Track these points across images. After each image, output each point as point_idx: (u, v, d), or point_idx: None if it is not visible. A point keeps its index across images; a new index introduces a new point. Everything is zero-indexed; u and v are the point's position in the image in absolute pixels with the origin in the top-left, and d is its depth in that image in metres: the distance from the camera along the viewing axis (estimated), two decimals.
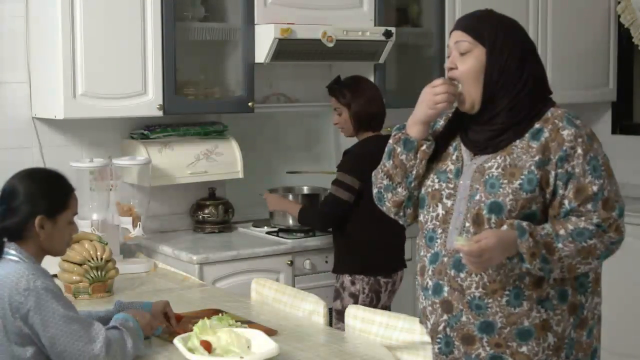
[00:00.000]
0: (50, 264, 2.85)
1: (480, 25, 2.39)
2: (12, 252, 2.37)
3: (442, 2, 4.61)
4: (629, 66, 5.38)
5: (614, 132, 5.44)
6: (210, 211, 4.22)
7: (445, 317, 2.39)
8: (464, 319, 2.35)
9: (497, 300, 2.31)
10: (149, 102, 3.86)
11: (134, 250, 3.94)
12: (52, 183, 2.46)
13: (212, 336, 2.36)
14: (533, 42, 2.46)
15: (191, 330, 2.41)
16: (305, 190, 4.40)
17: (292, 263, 3.95)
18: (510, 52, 2.36)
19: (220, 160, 4.14)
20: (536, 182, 2.29)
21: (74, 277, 3.20)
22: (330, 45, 4.09)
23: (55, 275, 3.21)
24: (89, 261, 3.20)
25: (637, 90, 5.43)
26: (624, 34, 5.29)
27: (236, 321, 2.65)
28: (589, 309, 2.38)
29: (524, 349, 2.32)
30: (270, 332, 2.60)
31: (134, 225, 3.76)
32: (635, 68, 5.40)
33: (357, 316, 2.74)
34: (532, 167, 2.30)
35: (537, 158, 2.31)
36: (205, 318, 2.48)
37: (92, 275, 3.19)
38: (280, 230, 4.18)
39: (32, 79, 3.90)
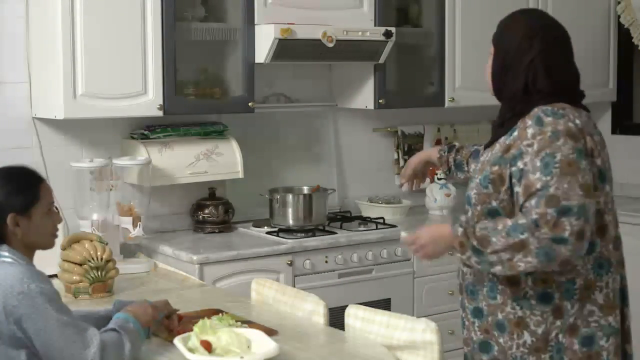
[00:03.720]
0: (51, 264, 2.85)
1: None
2: (5, 254, 2.36)
3: (442, 2, 4.61)
4: (629, 66, 5.38)
5: (614, 132, 5.43)
6: (210, 211, 4.22)
7: (460, 297, 2.61)
8: (465, 302, 2.55)
9: (483, 289, 2.46)
10: (149, 102, 3.86)
11: (134, 250, 3.94)
12: (18, 179, 2.42)
13: (212, 336, 2.36)
14: (529, 40, 2.46)
15: (191, 330, 2.41)
16: (306, 190, 4.40)
17: (292, 263, 3.95)
18: (499, 52, 2.49)
19: (220, 160, 4.14)
20: (489, 180, 2.37)
21: (74, 277, 3.20)
22: (330, 45, 4.10)
23: (56, 275, 3.22)
24: (89, 261, 3.20)
25: (637, 90, 5.43)
26: (624, 34, 5.29)
27: (236, 321, 2.66)
28: (577, 316, 2.37)
29: (501, 339, 2.44)
30: (270, 332, 2.60)
31: (134, 225, 3.76)
32: (635, 68, 5.40)
33: (358, 316, 2.74)
34: (491, 164, 2.39)
35: (497, 155, 2.38)
36: (205, 318, 2.48)
37: (93, 275, 3.19)
38: (280, 230, 4.18)
39: (32, 79, 3.90)
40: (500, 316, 2.41)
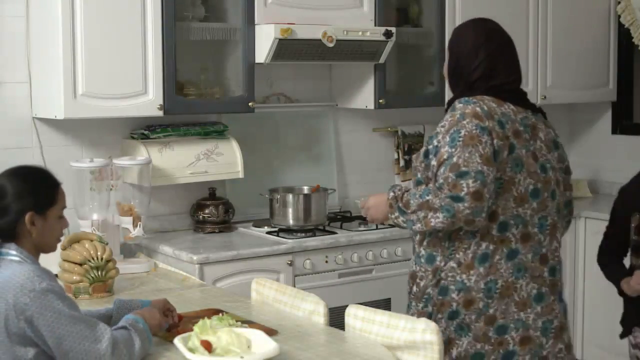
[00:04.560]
0: (51, 263, 2.85)
1: None
2: (13, 252, 2.37)
3: (442, 2, 4.62)
4: (629, 66, 5.38)
5: (614, 132, 5.43)
6: (211, 211, 4.22)
7: None
8: None
9: (413, 249, 2.92)
10: (149, 102, 3.86)
11: (134, 250, 3.94)
12: (39, 179, 2.44)
13: (212, 336, 2.36)
14: (478, 42, 2.81)
15: (191, 330, 2.41)
16: (306, 190, 4.40)
17: (292, 263, 3.95)
18: (451, 56, 2.88)
19: (220, 160, 4.14)
20: (417, 155, 2.85)
21: (75, 277, 3.20)
22: (330, 45, 4.10)
23: (56, 275, 3.22)
24: (89, 261, 3.20)
25: (637, 90, 5.43)
26: (624, 34, 5.30)
27: (236, 321, 2.65)
28: (442, 270, 2.79)
29: (408, 287, 2.93)
30: (270, 332, 2.60)
31: (135, 225, 3.76)
32: (635, 68, 5.40)
33: (357, 316, 2.74)
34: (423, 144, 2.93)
35: (426, 136, 2.87)
36: (205, 318, 2.48)
37: (93, 275, 3.19)
38: (280, 230, 4.19)
39: (32, 79, 3.90)
40: (413, 269, 2.89)
